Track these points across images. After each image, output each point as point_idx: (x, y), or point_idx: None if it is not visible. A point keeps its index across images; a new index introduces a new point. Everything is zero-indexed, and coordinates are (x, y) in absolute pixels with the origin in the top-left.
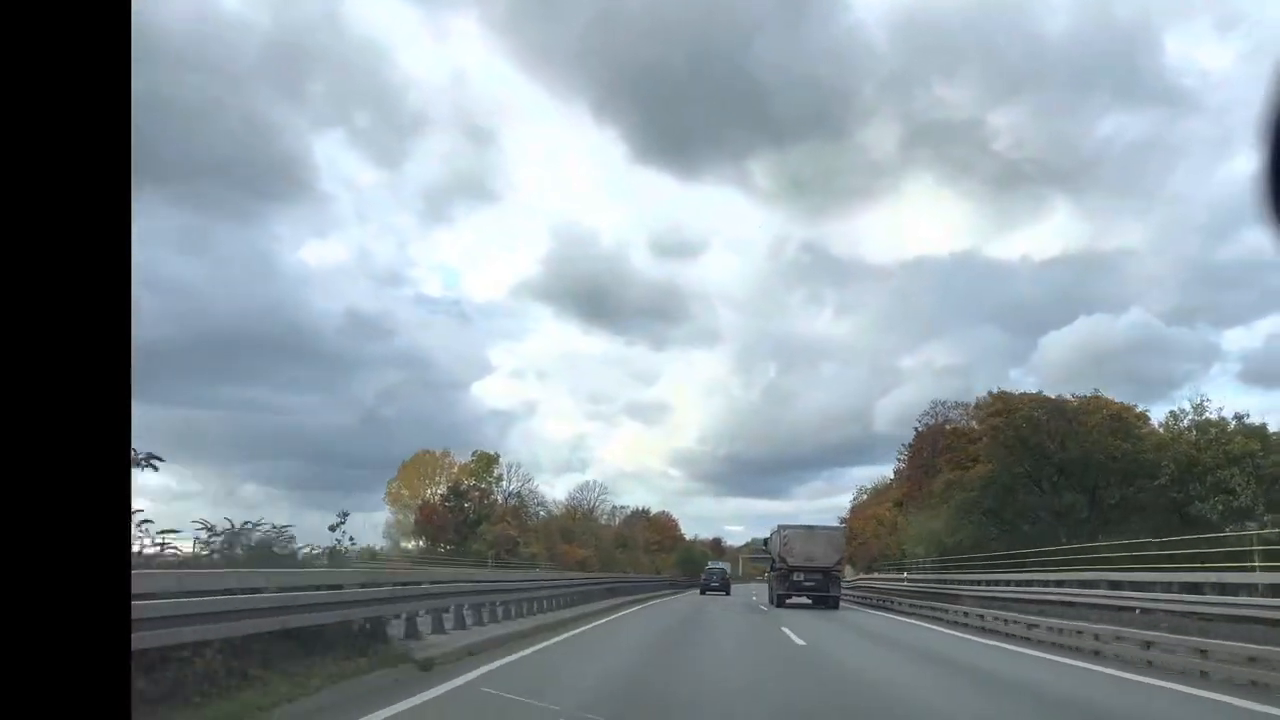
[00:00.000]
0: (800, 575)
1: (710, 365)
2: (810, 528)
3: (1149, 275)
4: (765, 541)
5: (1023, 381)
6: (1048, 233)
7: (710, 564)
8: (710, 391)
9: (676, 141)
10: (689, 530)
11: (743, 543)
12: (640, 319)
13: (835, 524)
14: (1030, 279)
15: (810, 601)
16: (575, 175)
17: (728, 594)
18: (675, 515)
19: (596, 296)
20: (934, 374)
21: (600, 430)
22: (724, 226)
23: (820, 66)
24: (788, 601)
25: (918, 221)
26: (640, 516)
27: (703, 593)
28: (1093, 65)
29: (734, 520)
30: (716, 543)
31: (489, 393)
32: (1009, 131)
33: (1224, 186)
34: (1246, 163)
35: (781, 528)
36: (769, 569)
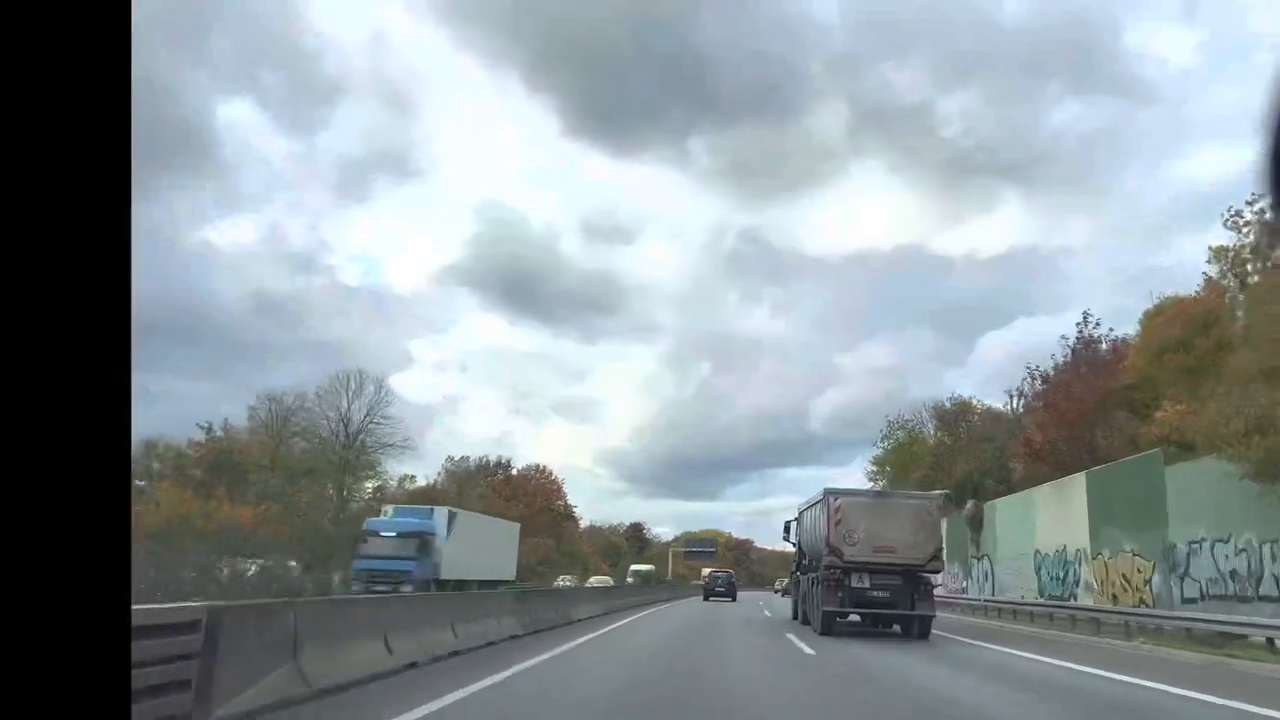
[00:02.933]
0: (865, 579)
1: (643, 360)
2: (883, 494)
3: (1090, 277)
4: (786, 529)
5: (960, 383)
6: (996, 227)
7: (712, 570)
8: (642, 388)
9: (613, 116)
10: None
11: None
12: (570, 310)
13: (918, 493)
14: (974, 277)
15: (868, 621)
16: (504, 151)
17: (734, 600)
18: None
19: (524, 284)
20: (870, 374)
21: (526, 427)
22: (661, 210)
23: (768, 40)
24: (838, 622)
25: (863, 211)
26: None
27: (706, 598)
28: (1048, 51)
29: (662, 521)
30: (637, 531)
31: (409, 386)
32: (960, 118)
33: (1174, 186)
34: (1197, 163)
35: (831, 494)
36: (793, 569)
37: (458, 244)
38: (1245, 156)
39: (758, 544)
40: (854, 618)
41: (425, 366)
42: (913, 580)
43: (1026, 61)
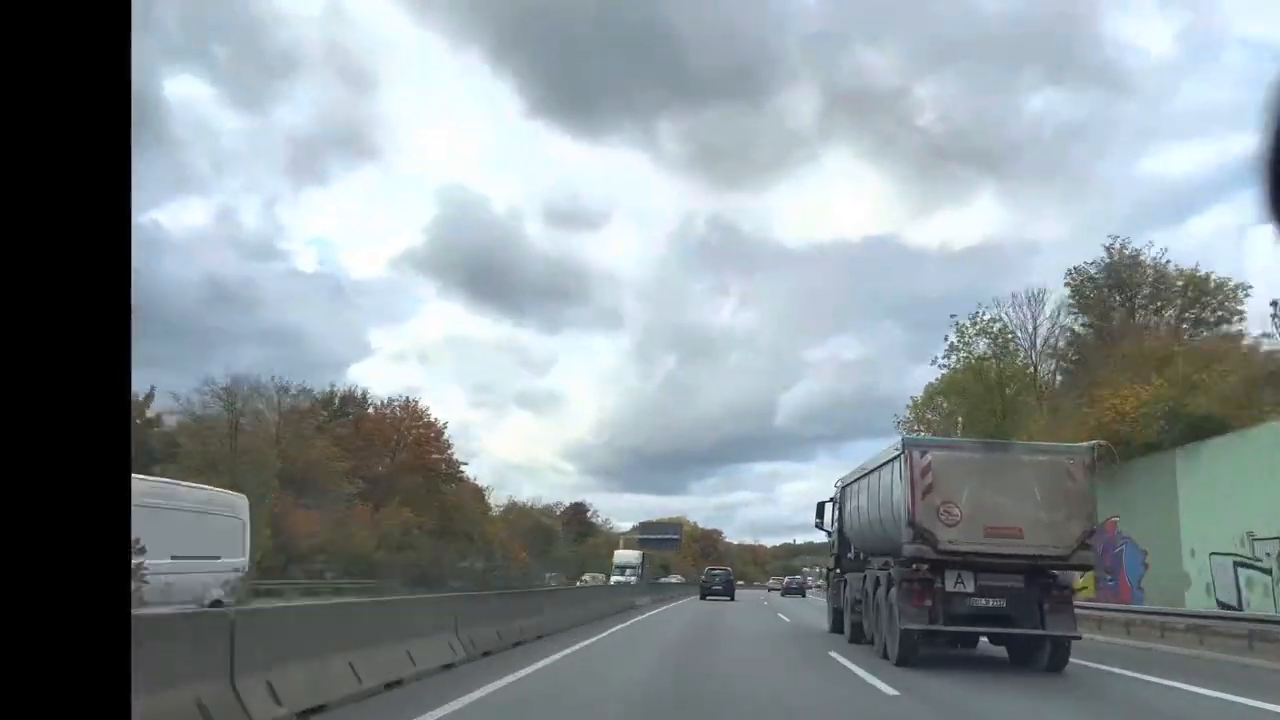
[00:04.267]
0: (967, 579)
1: (608, 352)
2: (998, 446)
3: (1061, 272)
4: (820, 512)
5: (929, 373)
6: (969, 219)
7: (710, 568)
8: (607, 380)
9: (579, 96)
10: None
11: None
12: (533, 298)
13: (1055, 445)
14: (946, 270)
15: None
16: (465, 131)
17: (732, 599)
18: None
19: (485, 271)
20: (838, 368)
21: (488, 419)
22: (627, 196)
23: (741, 18)
24: (920, 648)
25: (834, 200)
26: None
27: (703, 597)
28: (1026, 36)
29: (625, 516)
30: (579, 514)
31: (368, 376)
32: (935, 104)
33: (1148, 181)
34: (1170, 159)
35: (914, 447)
36: (830, 565)
37: (416, 229)
38: (1217, 153)
39: (725, 537)
40: (946, 634)
41: (384, 356)
42: (1040, 581)
43: (1005, 48)
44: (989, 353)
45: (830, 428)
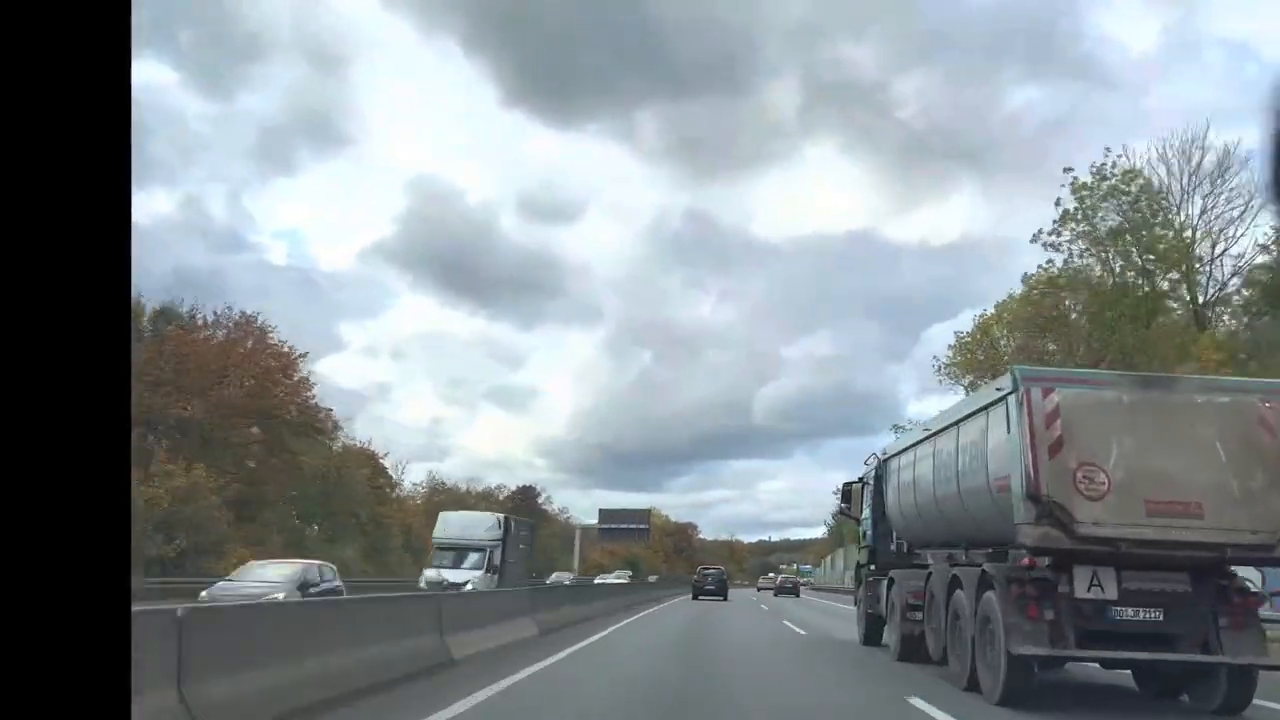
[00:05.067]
0: (1106, 580)
1: (582, 347)
2: (1154, 381)
3: (1033, 267)
4: (846, 494)
5: (902, 375)
6: (949, 214)
7: (703, 567)
8: (581, 376)
9: (557, 85)
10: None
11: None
12: (507, 292)
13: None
14: (924, 266)
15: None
16: (438, 120)
17: (725, 599)
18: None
19: (459, 264)
20: (815, 365)
21: (461, 415)
22: (604, 188)
23: (722, 9)
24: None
25: (814, 195)
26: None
27: (695, 597)
28: (1009, 32)
29: (595, 514)
30: (527, 499)
31: (338, 371)
32: (916, 98)
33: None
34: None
35: (1031, 380)
36: (863, 561)
37: (388, 220)
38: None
39: (700, 534)
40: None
41: (355, 351)
42: (1211, 583)
43: (987, 42)
44: (1128, 222)
45: (808, 425)
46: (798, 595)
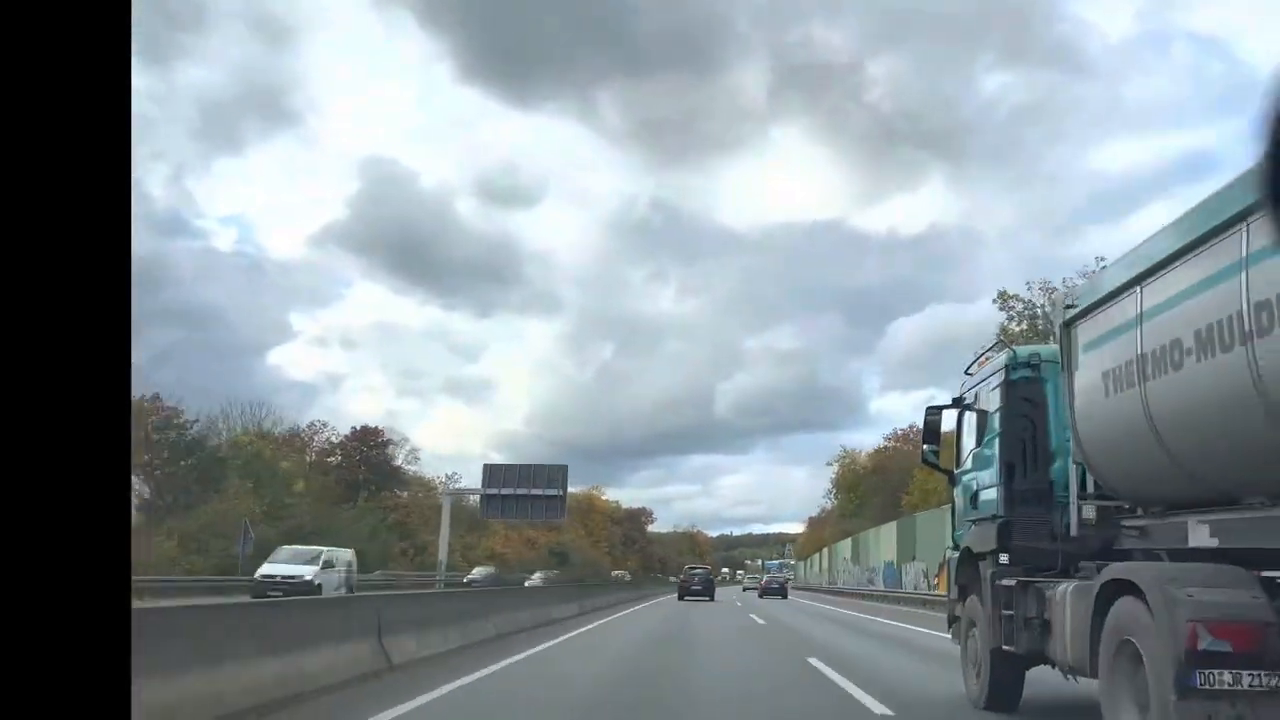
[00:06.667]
0: None
1: (541, 338)
2: None
3: (1002, 263)
4: (928, 435)
5: (868, 369)
6: (918, 205)
7: (690, 567)
8: (540, 368)
9: (514, 62)
10: None
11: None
12: (463, 279)
13: None
14: (893, 258)
15: None
16: (392, 97)
17: (712, 599)
18: None
19: (413, 250)
20: (778, 359)
21: (415, 408)
22: (565, 171)
23: None
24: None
25: (781, 181)
26: None
27: (681, 597)
28: (982, 14)
29: None
30: (368, 440)
31: (289, 361)
32: (888, 81)
33: (1092, 176)
34: (1113, 153)
35: None
36: (957, 547)
37: (339, 203)
38: (1160, 149)
39: (656, 525)
40: None
41: (306, 340)
42: None
43: (961, 25)
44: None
45: (769, 420)
46: (785, 596)
